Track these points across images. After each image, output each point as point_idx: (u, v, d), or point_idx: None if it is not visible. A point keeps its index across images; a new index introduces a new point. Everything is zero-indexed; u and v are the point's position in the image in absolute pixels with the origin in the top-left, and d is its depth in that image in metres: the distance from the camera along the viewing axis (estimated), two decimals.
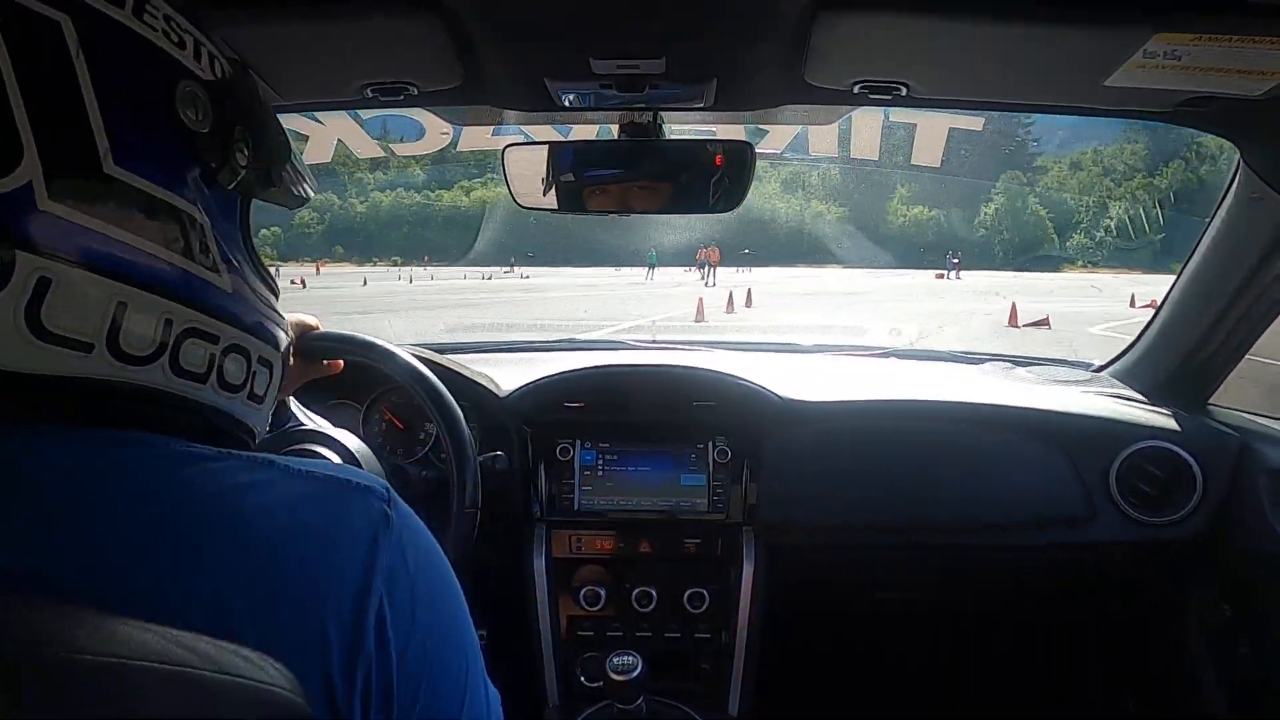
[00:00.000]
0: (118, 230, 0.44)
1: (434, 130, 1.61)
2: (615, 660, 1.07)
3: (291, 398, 1.11)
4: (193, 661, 0.37)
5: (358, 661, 0.44)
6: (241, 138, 0.53)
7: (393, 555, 0.48)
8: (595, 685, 1.36)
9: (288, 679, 0.40)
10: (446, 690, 0.50)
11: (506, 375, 1.48)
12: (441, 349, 1.59)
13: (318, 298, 15.46)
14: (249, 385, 0.54)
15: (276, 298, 0.60)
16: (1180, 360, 1.49)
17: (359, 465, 1.08)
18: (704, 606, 1.39)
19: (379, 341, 1.13)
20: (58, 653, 0.34)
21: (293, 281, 18.52)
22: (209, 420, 0.52)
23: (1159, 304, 1.52)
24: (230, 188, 0.53)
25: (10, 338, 0.41)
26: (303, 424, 1.12)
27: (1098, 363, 1.77)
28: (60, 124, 0.42)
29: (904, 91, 1.03)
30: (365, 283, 22.19)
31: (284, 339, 0.60)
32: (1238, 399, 1.52)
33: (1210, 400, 1.53)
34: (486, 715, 0.54)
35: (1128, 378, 1.63)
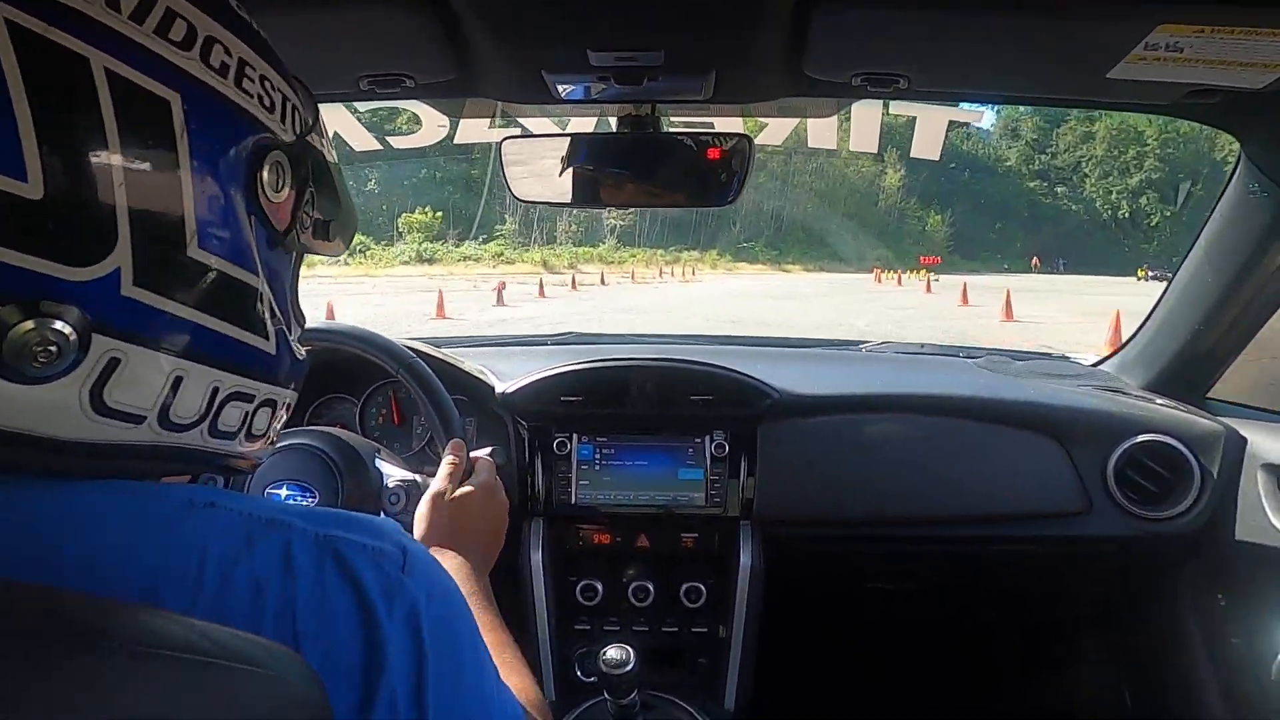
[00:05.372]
0: (187, 310, 0.44)
1: (431, 123, 1.60)
2: (609, 654, 1.07)
3: None
4: (215, 652, 0.37)
5: None
6: (310, 199, 0.53)
7: (402, 632, 0.46)
8: (591, 679, 1.36)
9: (306, 670, 0.40)
10: None
11: (503, 369, 1.47)
12: (438, 342, 1.58)
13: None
14: (269, 430, 0.54)
15: (302, 327, 0.58)
16: (1180, 354, 1.49)
17: (359, 456, 1.07)
18: (701, 600, 1.39)
19: (372, 332, 1.12)
20: (109, 643, 0.35)
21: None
22: (224, 464, 0.51)
23: (1159, 297, 1.52)
24: (292, 250, 0.53)
25: (70, 413, 0.41)
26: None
27: (1095, 357, 1.77)
28: (156, 211, 0.42)
29: (903, 84, 1.02)
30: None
31: (303, 374, 0.58)
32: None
33: (1210, 394, 1.53)
34: None
35: (1126, 371, 1.63)
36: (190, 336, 0.45)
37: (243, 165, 0.47)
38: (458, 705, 0.49)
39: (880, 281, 26.72)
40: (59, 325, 0.39)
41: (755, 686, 1.36)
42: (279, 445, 1.05)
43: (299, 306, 0.57)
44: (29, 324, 0.38)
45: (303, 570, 0.44)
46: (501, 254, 34.72)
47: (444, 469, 0.94)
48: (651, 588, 1.39)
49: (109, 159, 0.40)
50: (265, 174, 0.48)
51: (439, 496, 0.90)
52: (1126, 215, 53.73)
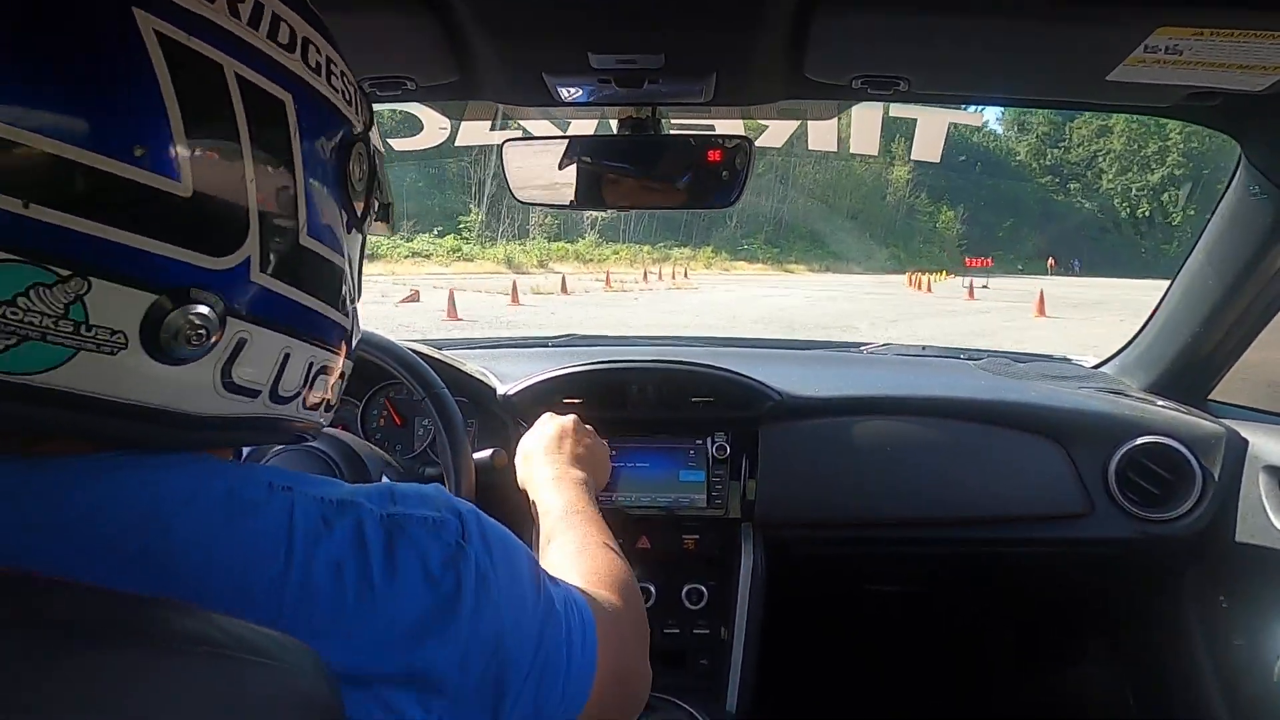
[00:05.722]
0: (296, 292, 0.49)
1: (432, 125, 1.60)
2: None
3: None
4: (230, 644, 0.38)
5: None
6: (378, 185, 0.57)
7: (472, 596, 0.49)
8: None
9: (318, 665, 0.41)
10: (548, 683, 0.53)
11: (505, 371, 1.47)
12: (440, 344, 1.58)
13: None
14: (337, 399, 0.58)
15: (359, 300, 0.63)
16: (1181, 355, 1.49)
17: (366, 468, 1.07)
18: (702, 602, 1.39)
19: (376, 334, 1.12)
20: (128, 637, 0.36)
21: None
22: (300, 433, 0.55)
23: (1159, 299, 1.52)
24: (365, 232, 0.57)
25: (205, 390, 0.45)
26: None
27: (1095, 359, 1.77)
28: (277, 204, 0.46)
29: (904, 86, 1.03)
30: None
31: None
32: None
33: (1211, 396, 1.53)
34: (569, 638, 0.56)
35: (1127, 373, 1.63)
36: (299, 316, 0.49)
37: (336, 158, 0.51)
38: (531, 636, 0.52)
39: (925, 289, 20.62)
40: (203, 309, 0.43)
41: (757, 688, 1.36)
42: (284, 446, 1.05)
43: (361, 282, 0.61)
44: (178, 311, 0.42)
45: (374, 549, 0.46)
46: (459, 250, 29.59)
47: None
48: (653, 589, 1.39)
49: (243, 157, 0.43)
50: (352, 164, 0.52)
51: (554, 418, 1.13)
52: (1146, 214, 48.87)
